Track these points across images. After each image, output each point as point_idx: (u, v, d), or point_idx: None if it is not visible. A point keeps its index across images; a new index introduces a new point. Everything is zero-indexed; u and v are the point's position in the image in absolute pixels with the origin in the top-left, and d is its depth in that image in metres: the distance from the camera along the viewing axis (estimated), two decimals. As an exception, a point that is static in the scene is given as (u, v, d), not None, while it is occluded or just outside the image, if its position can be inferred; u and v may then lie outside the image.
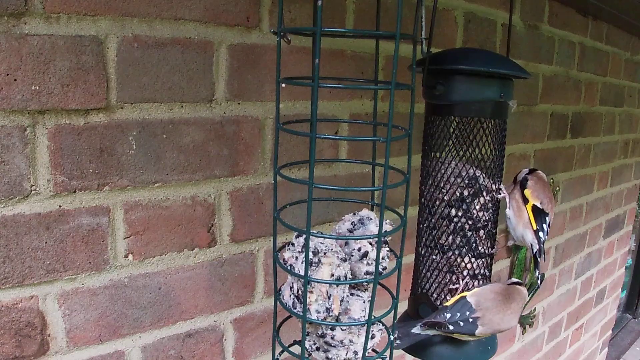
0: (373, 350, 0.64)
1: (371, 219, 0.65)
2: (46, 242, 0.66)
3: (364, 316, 0.61)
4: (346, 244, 0.62)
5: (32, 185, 0.64)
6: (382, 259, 0.61)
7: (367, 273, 0.61)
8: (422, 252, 0.79)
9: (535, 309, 1.83)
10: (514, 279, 0.79)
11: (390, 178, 0.53)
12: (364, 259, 0.61)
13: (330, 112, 0.94)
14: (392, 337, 0.63)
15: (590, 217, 2.11)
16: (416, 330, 0.73)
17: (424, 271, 0.79)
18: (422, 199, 0.79)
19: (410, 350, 0.75)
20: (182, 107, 0.75)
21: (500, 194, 0.77)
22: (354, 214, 0.66)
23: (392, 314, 0.62)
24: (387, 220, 0.57)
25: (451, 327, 0.69)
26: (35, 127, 0.63)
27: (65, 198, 0.67)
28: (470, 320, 0.70)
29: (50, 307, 0.68)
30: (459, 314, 0.70)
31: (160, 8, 0.70)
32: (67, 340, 0.70)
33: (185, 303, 0.81)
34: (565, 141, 1.77)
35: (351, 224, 0.65)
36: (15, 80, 0.60)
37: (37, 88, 0.62)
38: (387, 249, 0.64)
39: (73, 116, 0.65)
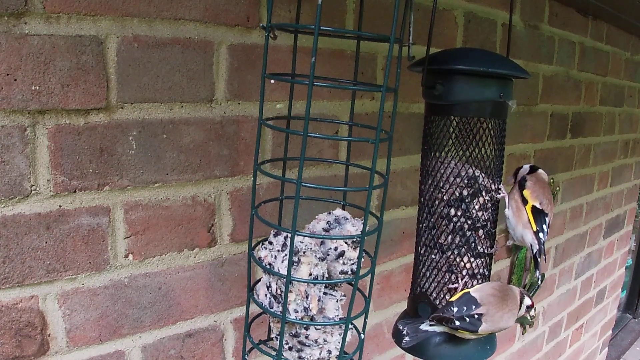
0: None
1: (347, 219, 0.65)
2: (46, 242, 0.66)
3: (338, 315, 0.61)
4: (322, 242, 0.62)
5: (32, 185, 0.64)
6: (357, 258, 0.61)
7: (342, 272, 0.61)
8: (422, 252, 0.79)
9: (535, 309, 1.83)
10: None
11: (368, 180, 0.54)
12: (340, 258, 0.61)
13: (331, 112, 0.94)
14: (362, 337, 0.63)
15: (590, 217, 2.11)
16: (424, 326, 0.73)
17: (423, 270, 0.79)
18: (422, 199, 0.79)
19: (410, 350, 0.75)
20: (182, 107, 0.75)
21: (499, 193, 0.77)
22: (329, 213, 0.66)
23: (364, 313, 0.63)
24: (362, 221, 0.56)
25: (457, 323, 0.70)
26: (36, 127, 0.63)
27: (65, 198, 0.67)
28: (476, 316, 0.70)
29: (50, 307, 0.68)
30: (465, 308, 0.70)
31: (160, 8, 0.70)
32: (67, 340, 0.70)
33: (186, 303, 0.81)
34: (565, 141, 1.77)
35: (327, 223, 0.65)
36: (15, 80, 0.60)
37: (37, 88, 0.62)
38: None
39: (73, 116, 0.66)
